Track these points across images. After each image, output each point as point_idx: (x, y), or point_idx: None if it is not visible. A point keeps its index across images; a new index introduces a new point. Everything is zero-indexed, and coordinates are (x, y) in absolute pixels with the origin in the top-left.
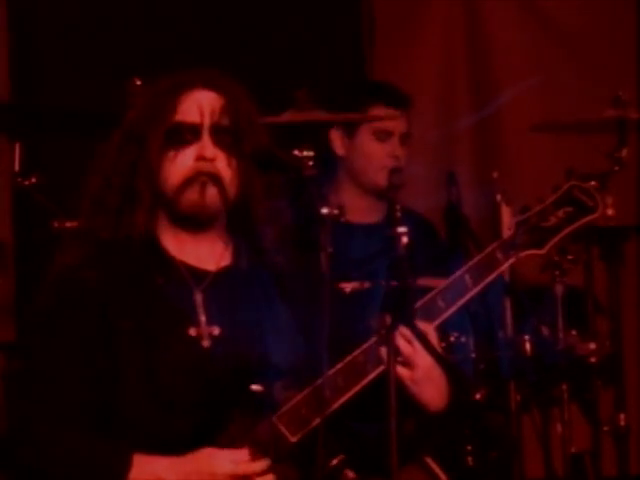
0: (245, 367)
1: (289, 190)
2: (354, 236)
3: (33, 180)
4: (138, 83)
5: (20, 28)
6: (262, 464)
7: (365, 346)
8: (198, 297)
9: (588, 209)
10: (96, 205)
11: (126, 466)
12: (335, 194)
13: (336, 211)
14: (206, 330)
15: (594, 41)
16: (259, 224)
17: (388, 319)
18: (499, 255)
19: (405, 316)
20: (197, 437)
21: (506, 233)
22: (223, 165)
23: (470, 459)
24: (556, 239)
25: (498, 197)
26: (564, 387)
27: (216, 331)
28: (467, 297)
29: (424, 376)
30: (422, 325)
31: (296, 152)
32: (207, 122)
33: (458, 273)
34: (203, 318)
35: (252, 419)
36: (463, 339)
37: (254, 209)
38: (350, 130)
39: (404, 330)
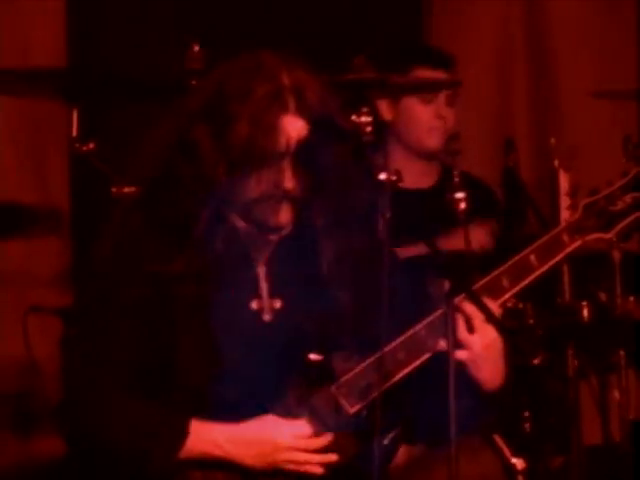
0: (305, 340)
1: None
2: (407, 201)
3: (91, 146)
4: (197, 49)
5: None
6: (323, 441)
7: (428, 320)
8: (261, 269)
9: None
10: (166, 171)
11: (183, 433)
12: (387, 161)
13: (394, 177)
14: (268, 303)
15: None
16: (329, 194)
17: (446, 285)
18: (565, 237)
19: (464, 283)
20: (253, 407)
21: (564, 200)
22: (300, 186)
23: (527, 425)
24: (623, 224)
25: (555, 163)
26: (622, 353)
27: (278, 304)
28: (532, 277)
29: (480, 356)
30: (487, 302)
31: (354, 118)
32: (291, 151)
33: (523, 253)
34: (265, 291)
35: (310, 389)
36: (521, 305)
37: (324, 180)
38: (395, 94)
39: (466, 306)
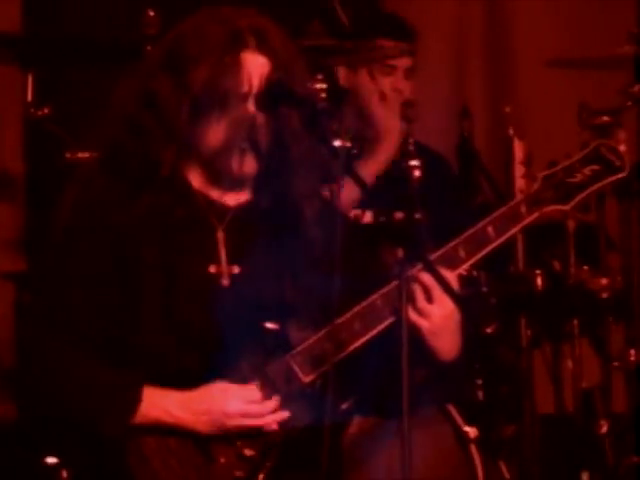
0: (262, 306)
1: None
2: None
3: (45, 110)
4: (152, 14)
5: None
6: (273, 403)
7: (384, 290)
8: (220, 235)
9: (615, 168)
10: (127, 133)
11: (136, 399)
12: (345, 128)
13: (349, 144)
14: (226, 269)
15: None
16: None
17: (400, 253)
18: (523, 209)
19: (418, 251)
20: (208, 372)
21: (518, 168)
22: (262, 129)
23: (481, 393)
24: (581, 196)
25: (510, 131)
26: (575, 322)
27: (236, 270)
28: (488, 249)
29: (439, 326)
30: (444, 272)
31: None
32: (254, 90)
33: (481, 224)
34: (224, 256)
35: (265, 357)
36: (475, 273)
37: (286, 151)
38: (354, 64)
39: (424, 277)
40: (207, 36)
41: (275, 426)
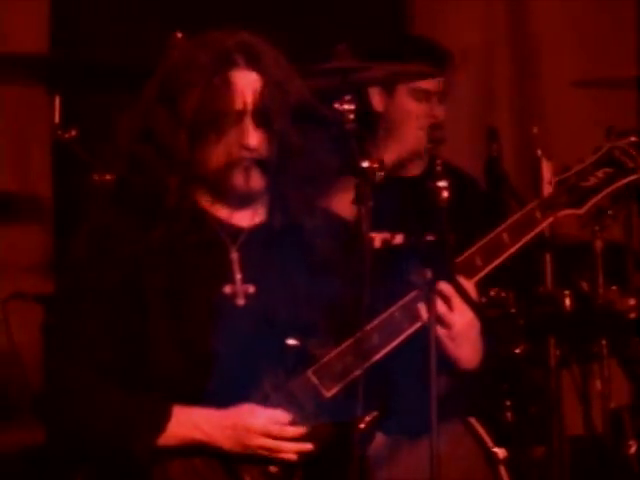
0: (278, 325)
1: (330, 144)
2: (390, 188)
3: (73, 133)
4: (179, 36)
5: None
6: (298, 429)
7: (402, 302)
8: (234, 255)
9: (628, 170)
10: (131, 163)
11: (165, 417)
12: (375, 150)
13: (376, 165)
14: (241, 288)
15: None
16: (296, 182)
17: (429, 274)
18: (538, 214)
19: (445, 271)
20: (227, 393)
21: (546, 188)
22: (265, 147)
23: (509, 414)
24: (595, 199)
25: (538, 152)
26: (603, 343)
27: (251, 289)
28: (505, 255)
29: (460, 334)
30: (463, 281)
31: (337, 105)
32: (249, 108)
33: (496, 231)
34: (239, 276)
35: (286, 374)
36: (503, 294)
37: (291, 166)
38: (389, 87)
39: (443, 286)
40: (195, 61)
41: (294, 457)
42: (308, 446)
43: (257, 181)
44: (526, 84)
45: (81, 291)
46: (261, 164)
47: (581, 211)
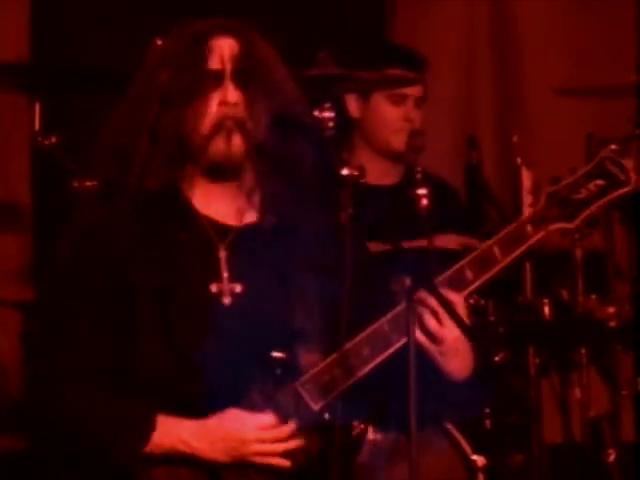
0: (266, 327)
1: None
2: (369, 197)
3: (53, 139)
4: (159, 42)
5: None
6: (288, 429)
7: (391, 315)
8: (222, 253)
9: (620, 182)
10: (117, 160)
11: (150, 427)
12: (351, 157)
13: (356, 172)
14: (228, 287)
15: (617, 4)
16: (287, 182)
17: (408, 281)
18: (529, 228)
19: (426, 279)
20: (216, 398)
21: (526, 197)
22: (246, 108)
23: (488, 422)
24: (587, 212)
25: (518, 160)
26: (583, 351)
27: (238, 288)
28: (496, 269)
29: (451, 350)
30: (451, 295)
31: (316, 113)
32: (228, 67)
33: (487, 244)
34: (226, 274)
35: (274, 384)
36: (482, 302)
37: (282, 166)
38: (365, 92)
39: (430, 301)
40: (172, 43)
41: (287, 463)
42: (299, 442)
43: (238, 146)
44: (508, 90)
45: (66, 292)
46: (241, 127)
47: (573, 225)
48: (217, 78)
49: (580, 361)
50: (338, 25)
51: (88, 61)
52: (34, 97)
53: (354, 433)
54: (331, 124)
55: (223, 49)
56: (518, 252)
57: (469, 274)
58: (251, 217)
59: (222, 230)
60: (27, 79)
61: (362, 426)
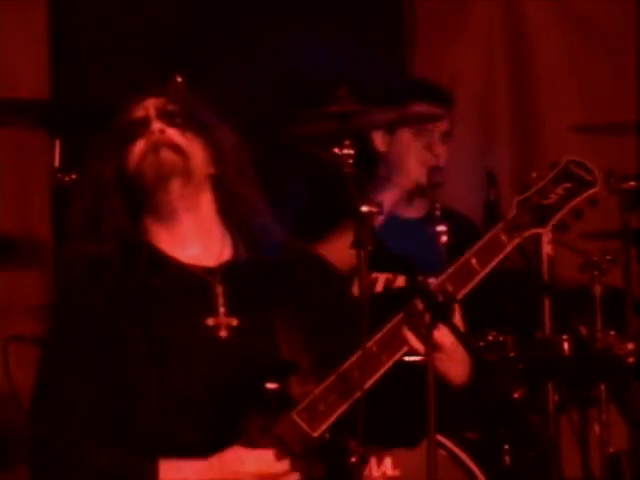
0: (261, 360)
1: (330, 187)
2: (392, 228)
3: (73, 176)
4: (179, 80)
5: (61, 26)
6: (286, 463)
7: (378, 336)
8: (219, 289)
9: (587, 183)
10: (86, 220)
11: (154, 471)
12: (376, 192)
13: (375, 209)
14: (224, 321)
15: (631, 42)
16: (250, 214)
17: (427, 317)
18: (503, 237)
19: (444, 314)
20: (215, 439)
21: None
22: (175, 134)
23: (507, 458)
24: (558, 216)
25: None
26: (602, 387)
27: (234, 322)
28: (475, 280)
29: (449, 356)
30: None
31: (336, 150)
32: (152, 112)
33: (464, 257)
34: (222, 309)
35: (271, 417)
36: (501, 338)
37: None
38: (391, 126)
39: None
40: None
41: None
42: (295, 476)
43: (168, 157)
44: (525, 128)
45: (62, 354)
46: (170, 145)
47: (545, 229)
48: (145, 123)
49: (599, 397)
50: (356, 61)
51: (107, 98)
52: (54, 134)
53: (354, 457)
54: (350, 161)
55: (148, 103)
56: (495, 261)
57: (450, 287)
58: (227, 255)
59: (207, 271)
60: (48, 116)
61: (362, 450)
